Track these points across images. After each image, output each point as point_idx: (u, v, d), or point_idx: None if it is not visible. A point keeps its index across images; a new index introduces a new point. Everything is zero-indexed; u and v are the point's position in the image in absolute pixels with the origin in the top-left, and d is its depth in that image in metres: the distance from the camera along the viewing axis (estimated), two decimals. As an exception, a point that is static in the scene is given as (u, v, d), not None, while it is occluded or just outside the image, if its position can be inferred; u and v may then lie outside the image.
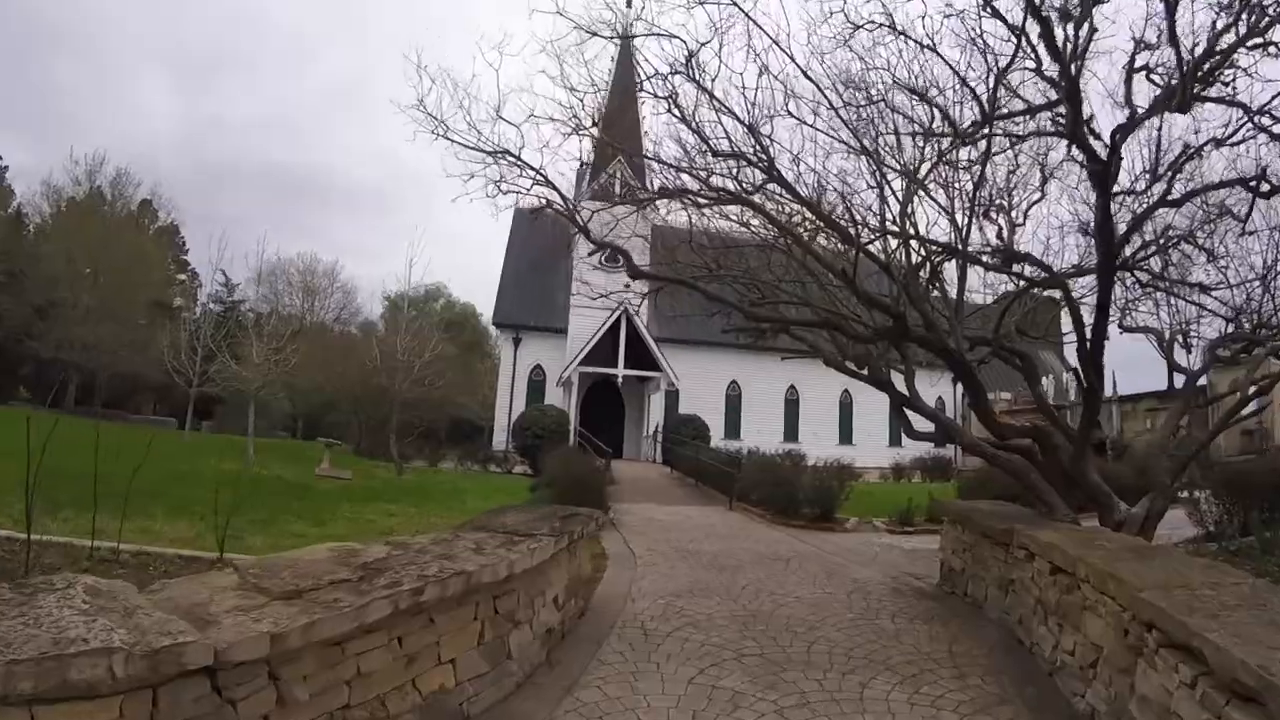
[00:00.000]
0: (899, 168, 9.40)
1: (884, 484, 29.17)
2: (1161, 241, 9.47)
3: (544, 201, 9.52)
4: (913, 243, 8.77)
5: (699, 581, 9.58)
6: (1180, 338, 10.81)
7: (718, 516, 16.88)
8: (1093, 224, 7.84)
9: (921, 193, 9.60)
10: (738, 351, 36.94)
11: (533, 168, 9.24)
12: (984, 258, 9.51)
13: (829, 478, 16.54)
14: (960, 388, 40.49)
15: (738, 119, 8.66)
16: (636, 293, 30.17)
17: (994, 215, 9.08)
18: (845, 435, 38.79)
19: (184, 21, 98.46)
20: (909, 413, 10.37)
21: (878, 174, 8.98)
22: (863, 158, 9.27)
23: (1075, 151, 7.74)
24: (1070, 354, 11.03)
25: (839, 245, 9.86)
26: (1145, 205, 8.33)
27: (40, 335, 43.74)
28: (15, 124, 71.10)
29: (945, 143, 8.69)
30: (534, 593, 6.28)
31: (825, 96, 8.55)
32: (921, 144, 9.11)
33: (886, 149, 9.35)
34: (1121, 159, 7.14)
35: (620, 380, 32.66)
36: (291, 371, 46.56)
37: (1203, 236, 10.01)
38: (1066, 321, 10.86)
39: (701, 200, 9.83)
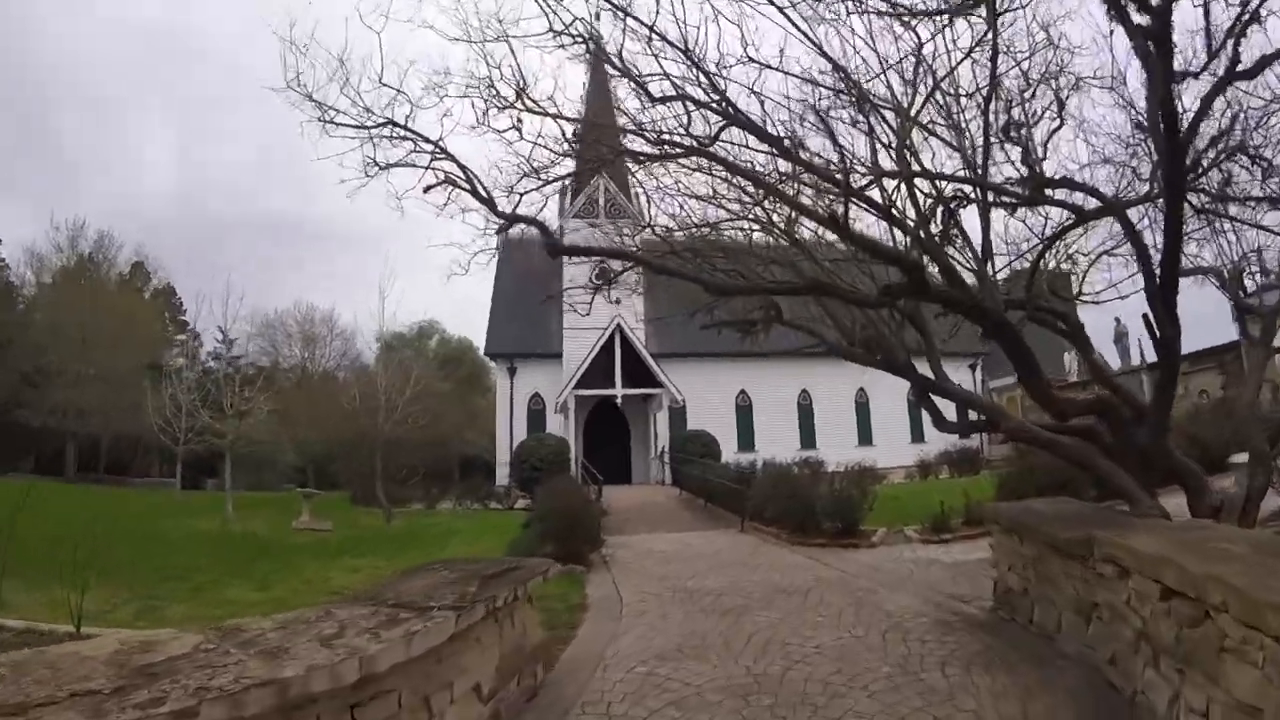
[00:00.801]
0: (891, 103, 7.58)
1: (910, 484, 27.07)
2: (1224, 147, 7.53)
3: (442, 176, 7.64)
4: (919, 183, 6.96)
5: (694, 634, 7.67)
6: (1249, 271, 8.89)
7: (726, 541, 14.95)
8: (1148, 117, 5.97)
9: (922, 134, 7.79)
10: (743, 361, 35.08)
11: (426, 138, 7.39)
12: (1007, 192, 7.57)
13: (849, 485, 14.56)
14: (980, 373, 38.51)
15: (682, 51, 6.85)
16: (632, 301, 28.76)
17: (1015, 134, 7.20)
18: (864, 436, 36.65)
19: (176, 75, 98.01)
20: (937, 401, 8.44)
21: (862, 109, 7.17)
22: (843, 97, 7.48)
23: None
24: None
25: (828, 203, 8.04)
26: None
27: (29, 403, 43.28)
28: (13, 192, 70.67)
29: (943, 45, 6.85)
30: (432, 688, 4.47)
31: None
32: (914, 65, 7.26)
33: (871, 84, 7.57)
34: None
35: (620, 400, 30.72)
36: (290, 423, 45.93)
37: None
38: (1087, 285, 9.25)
39: (643, 157, 8.02)
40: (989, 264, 7.06)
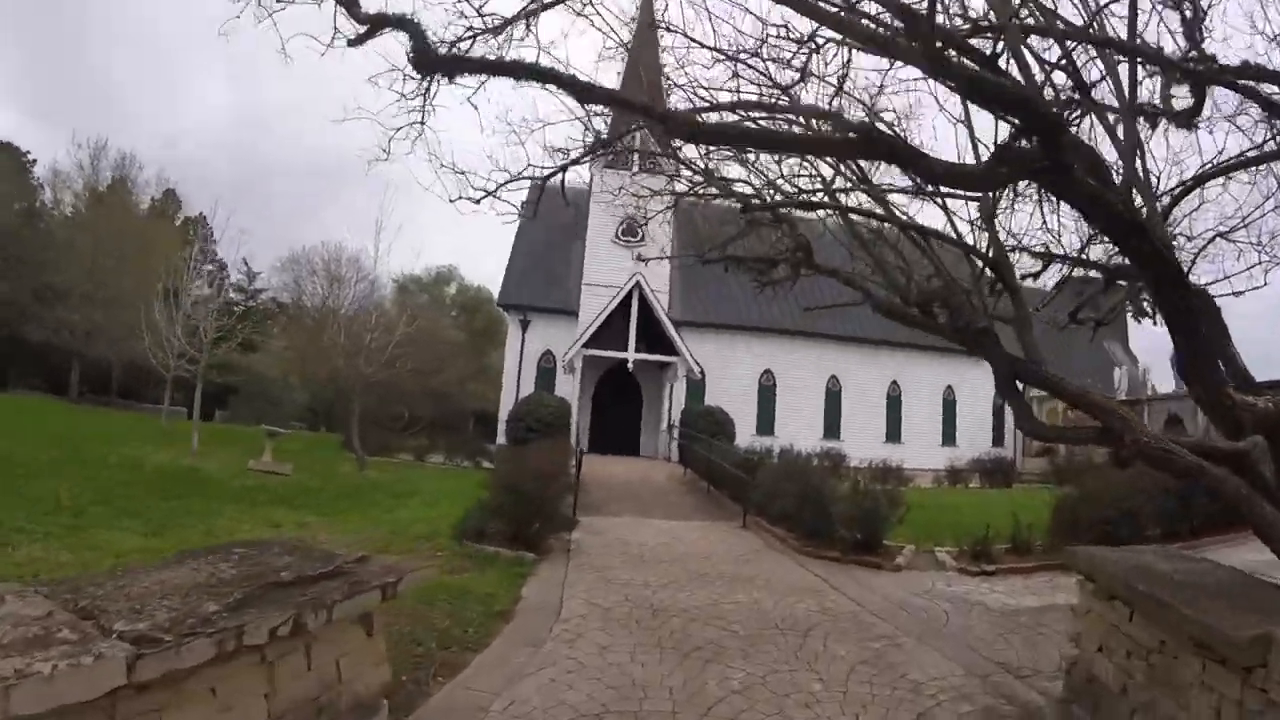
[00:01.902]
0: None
1: (939, 491, 24.32)
2: None
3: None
4: (1034, 41, 4.46)
5: (633, 686, 5.33)
6: None
7: (722, 539, 12.55)
8: None
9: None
10: (771, 337, 32.75)
11: None
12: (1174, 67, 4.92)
13: (874, 491, 12.03)
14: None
15: None
16: (663, 256, 26.26)
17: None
18: (893, 432, 33.87)
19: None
20: (1014, 394, 5.88)
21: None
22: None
23: None
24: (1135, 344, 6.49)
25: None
26: None
27: (34, 318, 42.43)
28: (58, 118, 70.09)
29: None
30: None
31: None
32: None
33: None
34: None
35: (632, 365, 28.13)
36: (306, 362, 44.09)
37: None
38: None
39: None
40: (1138, 156, 4.56)
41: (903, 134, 6.29)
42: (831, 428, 32.80)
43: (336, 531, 11.17)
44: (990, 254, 6.18)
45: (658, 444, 29.49)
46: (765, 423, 31.97)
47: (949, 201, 6.77)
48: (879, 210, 6.67)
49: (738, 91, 6.24)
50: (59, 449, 17.27)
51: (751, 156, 7.95)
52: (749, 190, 7.89)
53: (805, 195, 7.14)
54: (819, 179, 7.67)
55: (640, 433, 31.20)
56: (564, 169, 6.24)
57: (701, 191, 8.51)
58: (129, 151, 52.06)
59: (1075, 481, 14.56)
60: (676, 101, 6.84)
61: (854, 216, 7.23)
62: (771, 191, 7.43)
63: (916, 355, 33.55)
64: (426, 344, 35.29)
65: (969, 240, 6.62)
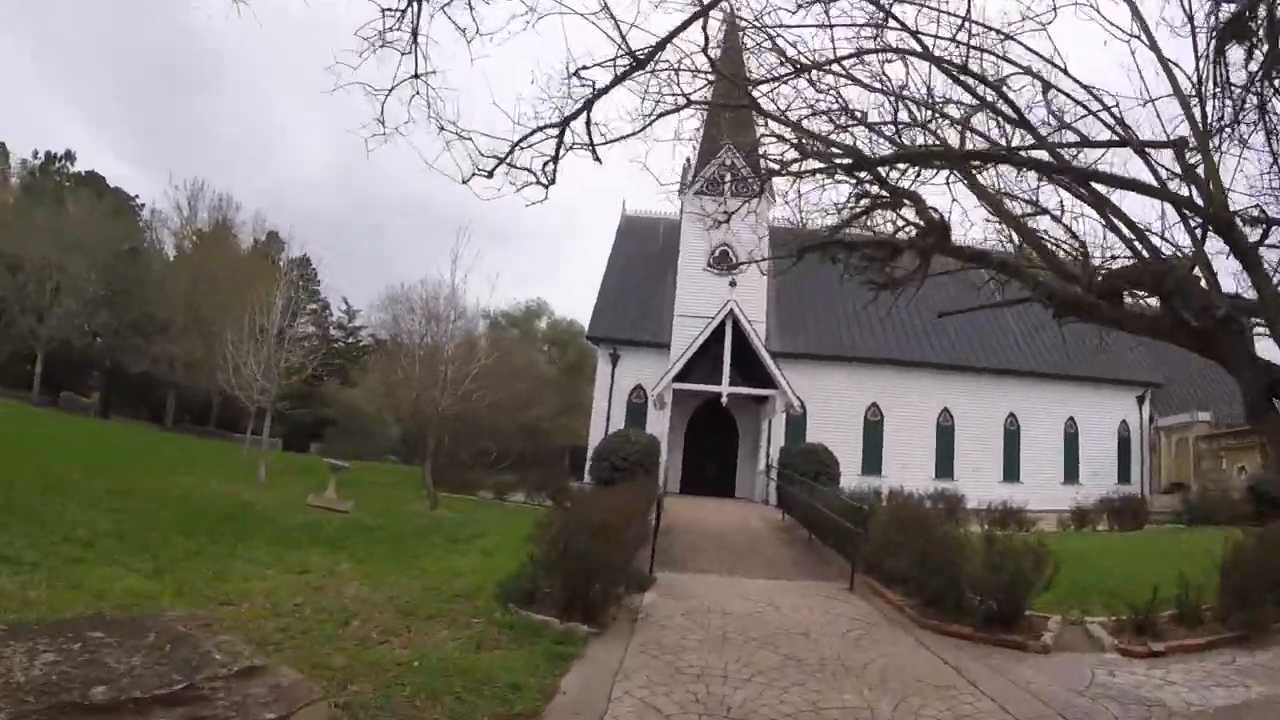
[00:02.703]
0: None
1: (1065, 535, 21.14)
2: None
3: None
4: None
5: None
6: None
7: (826, 606, 10.40)
8: None
9: None
10: (877, 367, 30.45)
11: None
12: None
13: (1013, 551, 9.63)
14: (1147, 408, 31.96)
15: None
16: (764, 271, 24.33)
17: None
18: (1010, 470, 30.60)
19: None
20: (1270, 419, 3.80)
21: None
22: None
23: None
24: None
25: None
26: None
27: (134, 349, 44.15)
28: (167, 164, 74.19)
29: None
30: None
31: None
32: None
33: None
34: None
35: (725, 399, 26.02)
36: (398, 397, 44.05)
37: None
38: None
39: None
40: None
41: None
42: (944, 466, 29.99)
43: (368, 583, 9.63)
44: (1210, 209, 4.14)
45: (754, 485, 27.34)
46: (872, 462, 29.48)
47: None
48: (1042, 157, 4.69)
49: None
50: (114, 476, 16.35)
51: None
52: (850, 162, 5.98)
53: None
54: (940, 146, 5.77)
55: (736, 472, 29.13)
56: (591, 103, 4.55)
57: (798, 168, 6.58)
58: (226, 193, 54.37)
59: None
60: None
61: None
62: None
63: (1035, 384, 31.01)
64: (513, 377, 34.11)
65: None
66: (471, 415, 24.07)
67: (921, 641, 8.68)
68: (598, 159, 5.48)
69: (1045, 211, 5.35)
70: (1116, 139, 4.98)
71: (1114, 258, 4.60)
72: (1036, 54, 5.43)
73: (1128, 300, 4.42)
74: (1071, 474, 30.77)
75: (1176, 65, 4.75)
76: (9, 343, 44.45)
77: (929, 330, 31.71)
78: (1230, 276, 5.10)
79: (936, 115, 5.87)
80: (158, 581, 8.35)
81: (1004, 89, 5.05)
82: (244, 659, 3.04)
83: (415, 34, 4.57)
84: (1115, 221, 4.57)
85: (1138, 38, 4.78)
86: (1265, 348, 4.40)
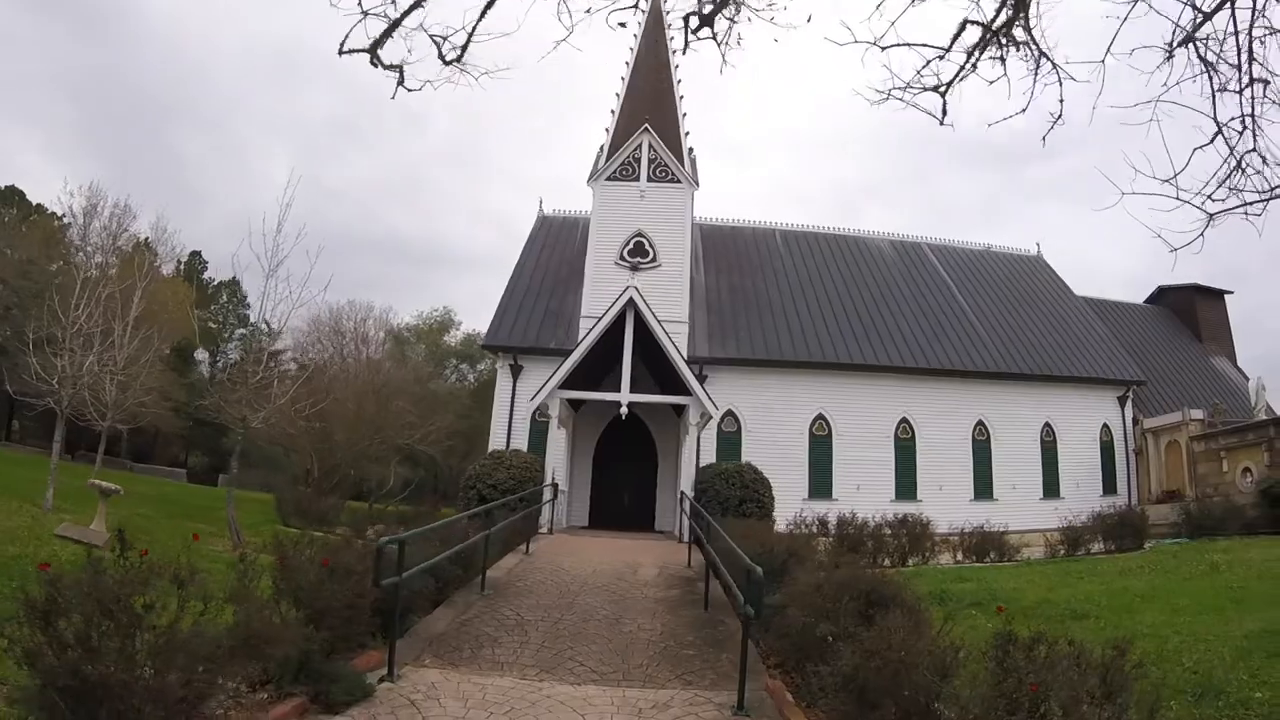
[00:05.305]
0: None
1: (1058, 565, 16.84)
2: None
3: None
4: None
5: None
6: None
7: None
8: None
9: None
10: (825, 373, 26.19)
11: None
12: None
13: (1052, 663, 4.86)
14: (1129, 409, 28.13)
15: None
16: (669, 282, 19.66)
17: None
18: (982, 487, 26.35)
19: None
20: None
21: None
22: None
23: None
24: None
25: None
26: None
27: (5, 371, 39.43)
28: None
29: None
30: None
31: None
32: None
33: None
34: None
35: (624, 410, 20.50)
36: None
37: None
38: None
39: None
40: None
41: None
42: (905, 486, 25.75)
43: None
44: None
45: (676, 517, 22.41)
46: (820, 484, 25.14)
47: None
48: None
49: None
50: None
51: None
52: None
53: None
54: None
55: (655, 499, 24.26)
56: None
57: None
58: (122, 199, 49.42)
59: None
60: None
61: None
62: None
63: (1005, 387, 27.40)
64: (393, 397, 29.69)
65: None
66: (316, 434, 19.38)
67: None
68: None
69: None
70: None
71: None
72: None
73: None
74: (1051, 487, 26.94)
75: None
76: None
77: (881, 330, 27.85)
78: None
79: None
80: None
81: None
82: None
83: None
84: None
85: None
86: None
